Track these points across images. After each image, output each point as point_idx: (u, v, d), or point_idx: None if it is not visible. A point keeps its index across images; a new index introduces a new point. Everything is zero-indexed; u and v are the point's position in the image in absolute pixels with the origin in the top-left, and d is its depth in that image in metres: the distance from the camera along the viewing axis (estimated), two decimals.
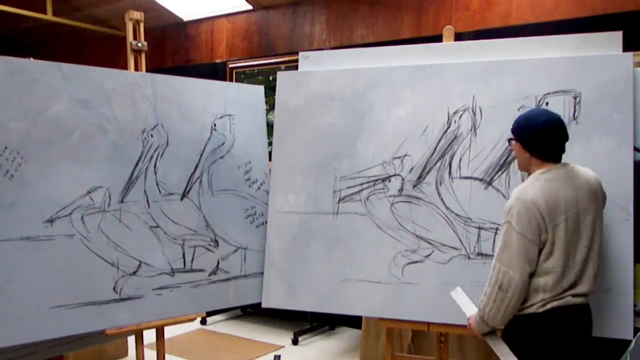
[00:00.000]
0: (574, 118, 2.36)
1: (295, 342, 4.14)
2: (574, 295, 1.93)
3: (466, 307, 2.17)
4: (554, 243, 1.90)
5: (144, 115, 2.58)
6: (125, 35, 2.76)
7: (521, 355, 1.95)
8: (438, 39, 2.77)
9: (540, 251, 1.91)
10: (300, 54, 2.89)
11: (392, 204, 2.57)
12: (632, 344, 1.74)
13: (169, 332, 3.23)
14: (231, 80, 5.12)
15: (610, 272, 2.24)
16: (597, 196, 2.00)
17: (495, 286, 1.92)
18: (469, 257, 2.45)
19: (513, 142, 2.05)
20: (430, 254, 2.51)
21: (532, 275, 1.92)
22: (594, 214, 1.96)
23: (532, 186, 1.94)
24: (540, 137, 1.96)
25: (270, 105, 3.83)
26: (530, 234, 1.88)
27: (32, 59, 2.39)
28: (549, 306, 1.91)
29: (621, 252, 2.24)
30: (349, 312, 2.65)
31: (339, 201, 2.69)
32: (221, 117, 2.82)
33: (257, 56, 5.03)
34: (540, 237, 1.89)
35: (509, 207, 1.94)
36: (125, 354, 3.84)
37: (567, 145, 2.17)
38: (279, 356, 3.01)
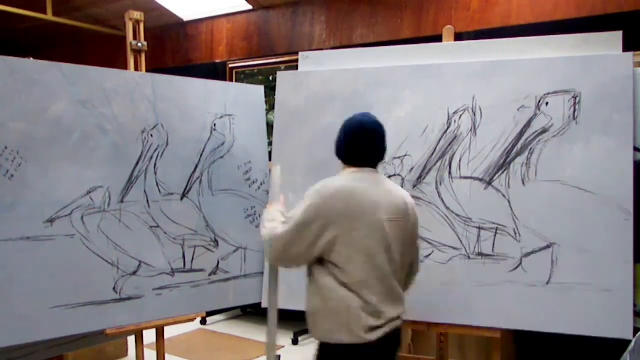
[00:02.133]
0: (574, 118, 2.36)
1: (295, 342, 4.14)
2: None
3: (273, 195, 2.17)
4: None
5: (144, 115, 2.58)
6: (125, 35, 2.76)
7: None
8: (438, 39, 2.77)
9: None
10: (301, 54, 2.89)
11: None
12: (632, 344, 1.74)
13: (169, 332, 3.23)
14: (231, 80, 5.11)
15: (610, 272, 2.25)
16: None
17: (276, 236, 1.90)
18: (469, 257, 2.45)
19: None
20: (430, 254, 2.51)
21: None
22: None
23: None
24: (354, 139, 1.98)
25: (270, 105, 3.83)
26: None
27: (32, 59, 2.39)
28: None
29: (621, 252, 2.24)
30: None
31: None
32: (221, 117, 2.82)
33: (257, 56, 5.03)
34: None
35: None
36: (125, 354, 3.84)
37: (568, 145, 2.17)
38: (279, 356, 3.01)
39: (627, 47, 2.35)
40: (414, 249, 2.08)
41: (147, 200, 2.56)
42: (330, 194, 1.87)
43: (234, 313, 5.00)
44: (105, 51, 6.14)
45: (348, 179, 1.95)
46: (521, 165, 2.40)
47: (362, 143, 1.97)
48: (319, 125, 2.75)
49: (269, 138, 3.05)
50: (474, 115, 2.51)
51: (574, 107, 2.36)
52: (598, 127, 2.32)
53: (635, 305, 2.26)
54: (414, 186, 2.56)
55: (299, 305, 2.73)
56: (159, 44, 5.66)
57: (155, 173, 2.59)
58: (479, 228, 2.45)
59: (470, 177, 2.48)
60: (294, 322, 4.48)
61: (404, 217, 1.97)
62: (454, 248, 2.47)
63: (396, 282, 1.94)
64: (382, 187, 1.96)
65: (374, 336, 1.84)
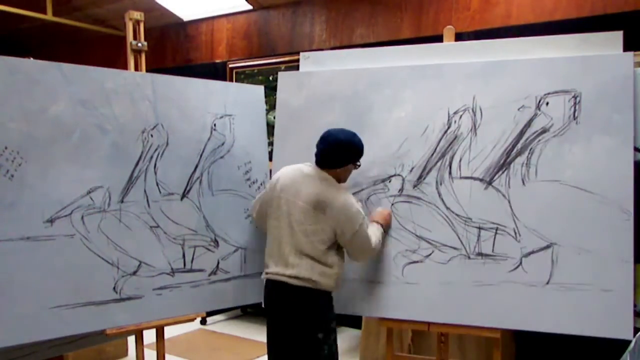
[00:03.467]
0: (574, 118, 2.36)
1: None
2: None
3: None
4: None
5: (144, 115, 2.58)
6: (125, 35, 2.76)
7: None
8: (438, 39, 2.77)
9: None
10: (301, 54, 2.89)
11: (392, 204, 2.57)
12: (632, 344, 1.74)
13: (169, 332, 3.23)
14: (231, 80, 5.11)
15: (610, 272, 2.25)
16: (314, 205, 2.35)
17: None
18: (469, 257, 2.45)
19: None
20: (430, 254, 2.51)
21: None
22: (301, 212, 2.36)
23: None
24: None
25: (270, 105, 3.83)
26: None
27: (32, 59, 2.39)
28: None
29: (621, 252, 2.24)
30: (349, 312, 2.65)
31: None
32: (221, 117, 2.82)
33: (257, 56, 5.03)
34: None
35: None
36: (125, 354, 3.84)
37: (568, 145, 2.16)
38: None
39: (627, 47, 2.35)
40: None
41: (147, 200, 2.56)
42: None
43: (234, 313, 5.00)
44: (105, 51, 6.14)
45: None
46: (521, 165, 2.40)
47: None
48: (320, 126, 2.74)
49: (269, 138, 3.05)
50: (474, 115, 2.51)
51: (574, 107, 2.36)
52: (598, 127, 2.32)
53: (635, 305, 2.25)
54: (414, 186, 2.56)
55: None
56: (159, 44, 5.66)
57: (155, 173, 2.59)
58: (479, 228, 2.45)
59: (471, 177, 2.48)
60: None
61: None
62: (454, 248, 2.47)
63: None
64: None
65: None
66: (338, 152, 2.38)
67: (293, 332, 2.37)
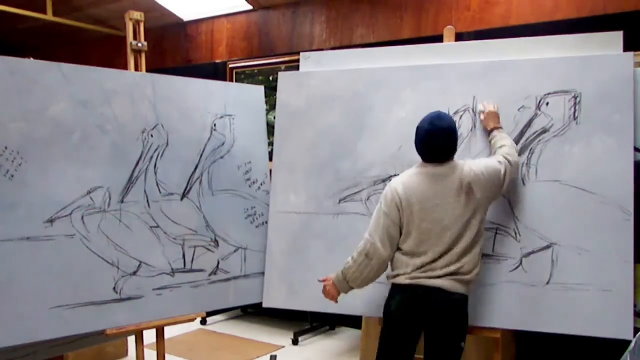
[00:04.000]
0: (574, 118, 2.36)
1: (295, 342, 4.13)
2: (428, 277, 2.16)
3: None
4: (410, 226, 2.19)
5: (144, 115, 2.58)
6: (125, 35, 2.76)
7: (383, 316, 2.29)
8: (438, 39, 2.77)
9: (400, 232, 2.22)
10: (302, 54, 2.89)
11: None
12: (632, 344, 1.74)
13: (169, 332, 3.23)
14: (231, 80, 5.11)
15: (610, 272, 2.25)
16: (464, 190, 2.16)
17: (362, 253, 2.22)
18: None
19: None
20: None
21: (399, 250, 2.24)
22: (459, 208, 2.16)
23: (400, 177, 2.28)
24: (416, 140, 2.24)
25: (270, 105, 3.83)
26: (391, 214, 2.21)
27: (32, 59, 2.39)
28: (406, 281, 2.19)
29: (621, 252, 2.24)
30: (349, 312, 2.65)
31: (339, 201, 2.69)
32: (221, 117, 2.82)
33: (257, 56, 5.03)
34: (400, 219, 2.20)
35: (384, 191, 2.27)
36: (125, 354, 3.84)
37: (568, 145, 2.16)
38: (275, 356, 3.01)
39: (627, 47, 2.35)
40: None
41: (147, 200, 2.56)
42: None
43: (234, 313, 4.99)
44: (105, 51, 6.14)
45: None
46: (521, 165, 2.40)
47: (423, 143, 2.25)
48: (320, 126, 2.75)
49: (269, 138, 3.05)
50: (474, 115, 2.51)
51: (574, 107, 2.36)
52: (598, 127, 2.32)
53: (635, 305, 2.26)
54: None
55: (299, 306, 2.74)
56: (159, 44, 5.65)
57: (155, 173, 2.59)
58: None
59: None
60: (294, 322, 4.49)
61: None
62: None
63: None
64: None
65: None
66: (452, 137, 2.20)
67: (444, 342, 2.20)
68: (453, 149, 2.22)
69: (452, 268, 2.15)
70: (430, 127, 2.19)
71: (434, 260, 2.16)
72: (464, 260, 2.16)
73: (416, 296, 2.18)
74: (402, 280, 2.20)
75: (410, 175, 2.25)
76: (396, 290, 2.25)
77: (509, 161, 2.25)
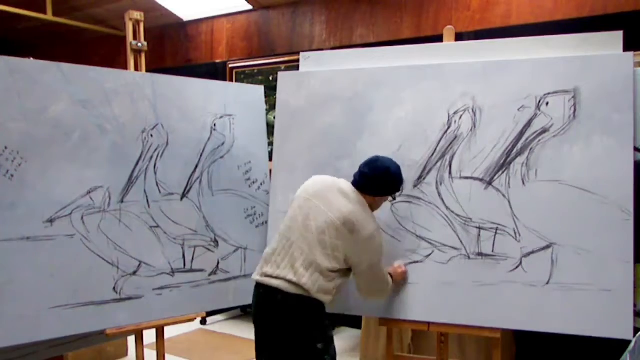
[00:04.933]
0: (574, 118, 2.35)
1: None
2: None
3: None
4: None
5: (144, 115, 2.58)
6: (125, 35, 2.76)
7: None
8: (438, 39, 2.77)
9: None
10: (302, 54, 2.89)
11: (392, 204, 2.57)
12: (632, 344, 1.74)
13: (169, 332, 3.23)
14: (231, 80, 5.11)
15: (610, 272, 2.24)
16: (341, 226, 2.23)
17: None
18: (469, 257, 2.45)
19: None
20: (430, 254, 2.51)
21: None
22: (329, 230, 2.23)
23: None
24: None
25: (270, 105, 3.83)
26: None
27: (32, 59, 2.39)
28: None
29: (621, 252, 2.24)
30: (349, 312, 2.65)
31: None
32: (221, 117, 2.82)
33: (257, 56, 5.03)
34: None
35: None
36: (125, 354, 3.84)
37: (568, 145, 2.17)
38: None
39: (627, 47, 2.35)
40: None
41: (147, 200, 2.56)
42: None
43: (234, 313, 4.99)
44: (105, 51, 6.14)
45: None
46: (521, 165, 2.40)
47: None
48: (320, 126, 2.75)
49: (269, 138, 3.05)
50: (474, 115, 2.50)
51: (574, 107, 2.36)
52: (598, 127, 2.32)
53: (635, 305, 2.25)
54: (415, 186, 2.56)
55: None
56: (159, 44, 5.66)
57: (155, 173, 2.59)
58: (479, 228, 2.45)
59: (471, 177, 2.48)
60: None
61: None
62: (454, 248, 2.47)
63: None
64: None
65: None
66: (383, 182, 2.32)
67: (290, 343, 2.22)
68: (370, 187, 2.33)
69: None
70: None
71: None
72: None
73: None
74: None
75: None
76: None
77: (370, 284, 2.36)
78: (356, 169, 2.37)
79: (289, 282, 2.16)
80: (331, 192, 2.29)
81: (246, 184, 2.88)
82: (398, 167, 2.36)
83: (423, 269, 2.51)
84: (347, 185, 2.34)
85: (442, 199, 2.51)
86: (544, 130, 2.39)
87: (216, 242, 2.76)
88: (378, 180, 2.31)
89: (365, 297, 2.42)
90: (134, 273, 2.50)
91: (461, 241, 2.47)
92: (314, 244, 2.20)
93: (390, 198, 2.45)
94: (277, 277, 2.19)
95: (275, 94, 2.87)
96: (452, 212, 2.49)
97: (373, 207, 2.36)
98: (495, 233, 2.42)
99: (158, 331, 2.67)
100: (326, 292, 2.21)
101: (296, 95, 2.81)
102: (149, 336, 2.71)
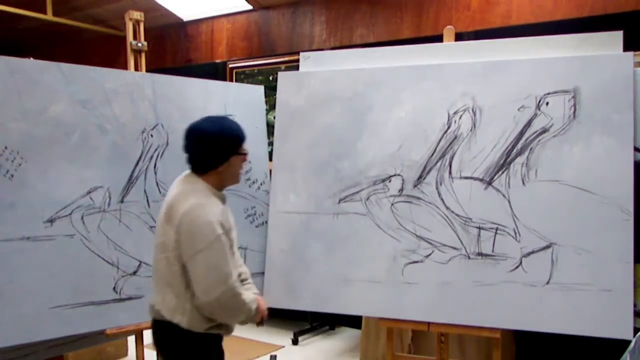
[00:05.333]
0: (574, 118, 2.36)
1: (295, 342, 4.14)
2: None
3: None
4: None
5: (144, 115, 2.58)
6: (125, 35, 2.77)
7: None
8: (438, 39, 2.77)
9: None
10: (302, 54, 2.89)
11: (392, 204, 2.57)
12: (632, 344, 1.74)
13: None
14: (231, 80, 5.11)
15: (610, 272, 2.25)
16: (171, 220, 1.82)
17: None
18: (469, 257, 2.45)
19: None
20: (430, 254, 2.51)
21: None
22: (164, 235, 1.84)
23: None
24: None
25: (270, 105, 3.83)
26: None
27: (32, 59, 2.39)
28: None
29: (621, 252, 2.24)
30: (349, 312, 2.65)
31: (339, 201, 2.69)
32: None
33: (257, 56, 5.03)
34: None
35: None
36: (125, 354, 3.84)
37: (568, 145, 2.16)
38: (275, 356, 3.01)
39: (627, 47, 2.35)
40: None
41: (147, 200, 2.56)
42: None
43: None
44: (105, 51, 6.14)
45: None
46: (521, 165, 2.40)
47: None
48: (320, 126, 2.75)
49: (269, 138, 3.05)
50: (474, 115, 2.51)
51: (574, 107, 2.36)
52: (598, 127, 2.32)
53: (635, 305, 2.25)
54: (414, 186, 2.56)
55: (299, 306, 2.74)
56: (159, 44, 5.66)
57: (156, 173, 2.59)
58: (479, 228, 2.45)
59: (471, 177, 2.48)
60: (294, 322, 4.49)
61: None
62: (454, 248, 2.47)
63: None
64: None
65: None
66: (207, 150, 1.85)
67: None
68: (198, 160, 1.87)
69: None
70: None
71: None
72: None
73: None
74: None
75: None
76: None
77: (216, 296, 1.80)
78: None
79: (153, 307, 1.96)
80: (170, 192, 1.93)
81: (246, 184, 2.88)
82: (219, 122, 1.90)
83: (423, 269, 2.51)
84: (184, 173, 1.96)
85: (442, 199, 2.51)
86: (544, 130, 2.39)
87: None
88: (201, 151, 1.85)
89: (203, 303, 1.82)
90: (134, 273, 2.50)
91: (461, 241, 2.47)
92: (158, 255, 1.90)
93: (240, 157, 1.93)
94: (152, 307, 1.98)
95: (275, 94, 2.87)
96: (452, 212, 2.49)
97: (223, 181, 1.94)
98: (495, 233, 2.42)
99: None
100: (181, 310, 1.87)
101: (296, 95, 2.81)
102: (149, 336, 2.71)
